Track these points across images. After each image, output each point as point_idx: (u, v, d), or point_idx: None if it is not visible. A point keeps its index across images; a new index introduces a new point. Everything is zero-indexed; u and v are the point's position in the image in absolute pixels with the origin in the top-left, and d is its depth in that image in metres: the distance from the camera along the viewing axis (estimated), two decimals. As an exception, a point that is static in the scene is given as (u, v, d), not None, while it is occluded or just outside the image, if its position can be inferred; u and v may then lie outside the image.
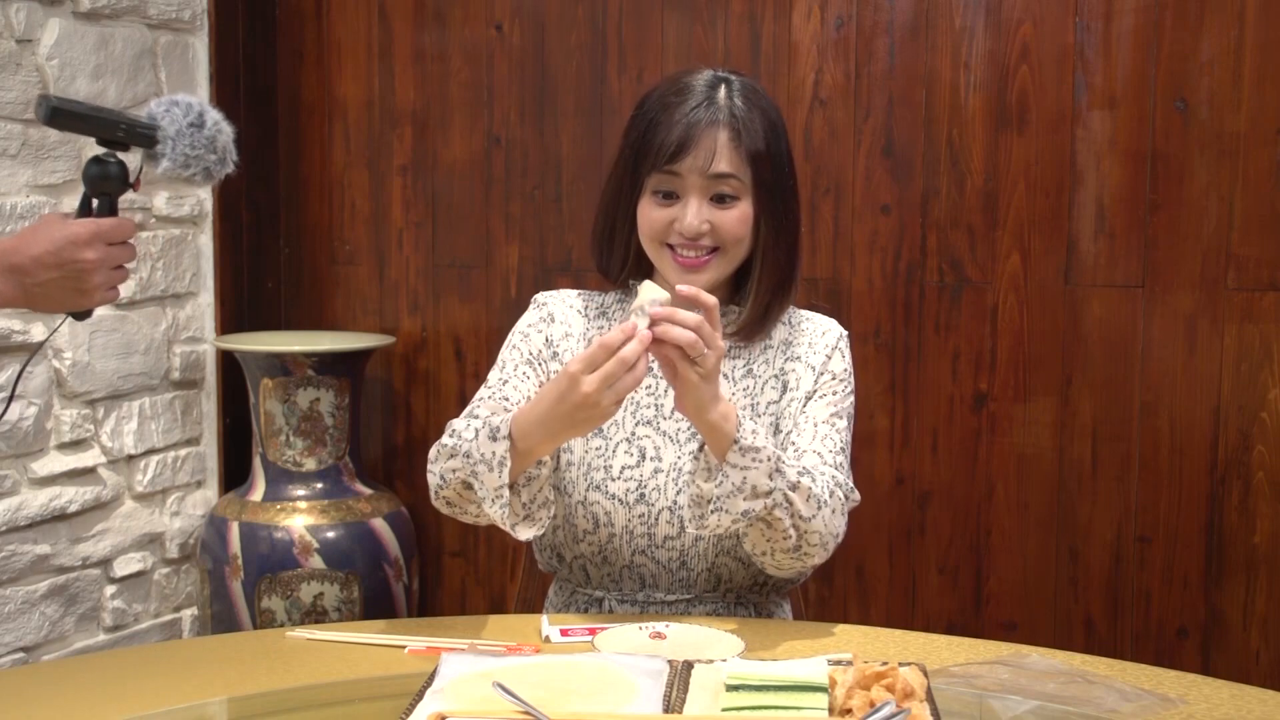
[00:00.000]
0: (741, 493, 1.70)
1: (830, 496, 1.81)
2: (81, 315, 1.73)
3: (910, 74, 2.97)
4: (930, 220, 2.98)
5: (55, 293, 1.65)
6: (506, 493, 1.74)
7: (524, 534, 1.79)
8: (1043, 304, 2.92)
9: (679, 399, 1.71)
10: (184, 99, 1.66)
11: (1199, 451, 2.84)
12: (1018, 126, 2.91)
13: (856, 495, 1.89)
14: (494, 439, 1.73)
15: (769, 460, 1.72)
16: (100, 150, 1.67)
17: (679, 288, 1.68)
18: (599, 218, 2.00)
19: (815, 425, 1.92)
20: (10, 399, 1.95)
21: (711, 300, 1.68)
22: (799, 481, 1.76)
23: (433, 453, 1.83)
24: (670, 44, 3.13)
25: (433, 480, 1.83)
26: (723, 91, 1.90)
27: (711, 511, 1.71)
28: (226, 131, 1.67)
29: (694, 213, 1.87)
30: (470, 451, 1.75)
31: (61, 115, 1.63)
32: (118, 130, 1.64)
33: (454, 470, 1.79)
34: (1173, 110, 2.81)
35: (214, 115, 1.66)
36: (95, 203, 1.67)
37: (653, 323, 1.66)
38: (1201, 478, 2.84)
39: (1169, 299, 2.84)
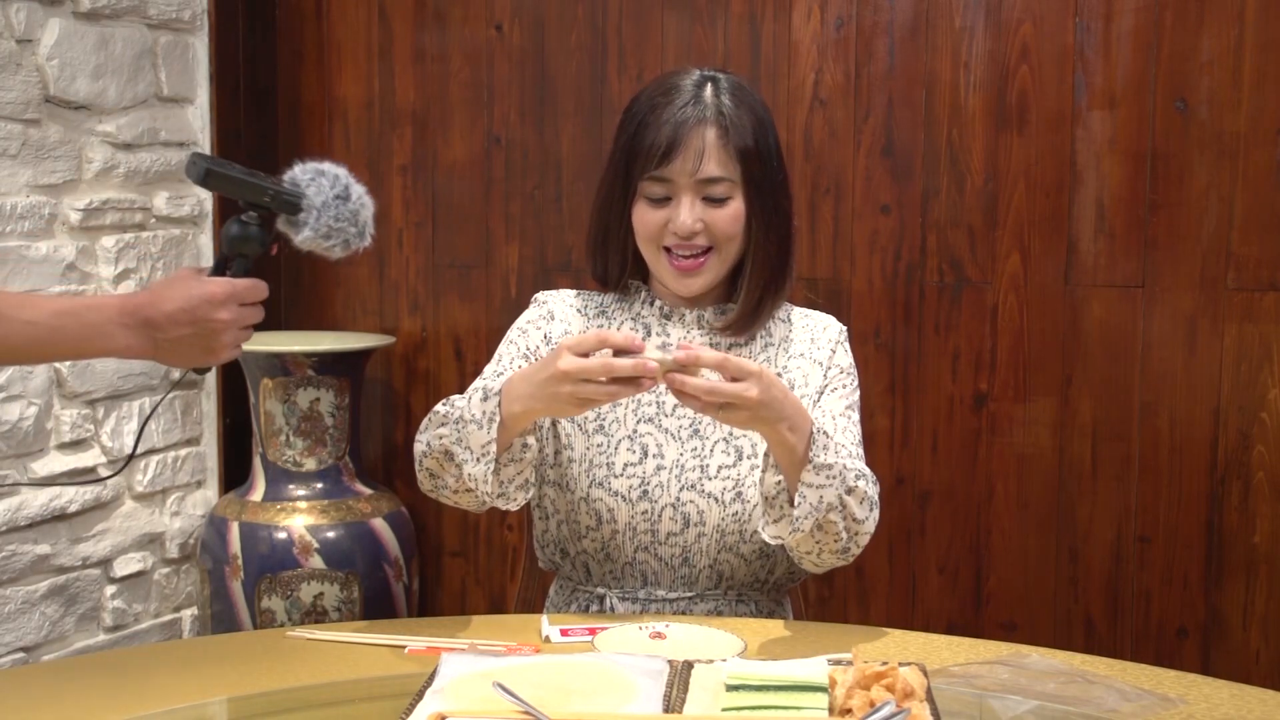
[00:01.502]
0: (818, 511, 1.73)
1: (876, 507, 1.83)
2: (203, 370, 1.76)
3: (910, 74, 2.97)
4: (930, 220, 2.98)
5: (184, 349, 1.66)
6: (493, 450, 1.74)
7: (500, 505, 1.81)
8: (1043, 304, 2.92)
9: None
10: (329, 169, 1.68)
11: (1199, 451, 2.84)
12: (1018, 126, 2.91)
13: (876, 480, 1.90)
14: (485, 398, 1.75)
15: (841, 474, 1.73)
16: (242, 210, 1.68)
17: (676, 354, 1.64)
18: (593, 223, 2.00)
19: (834, 418, 1.94)
20: (137, 444, 2.00)
21: (711, 358, 1.64)
22: (855, 485, 1.77)
23: (424, 422, 1.84)
24: (670, 44, 3.13)
25: (418, 449, 1.84)
26: (709, 90, 1.91)
27: (791, 532, 1.73)
28: (369, 206, 1.69)
29: (687, 211, 1.88)
30: (462, 415, 1.76)
31: (214, 177, 1.64)
32: (265, 196, 1.65)
33: (440, 437, 1.80)
34: (1173, 110, 2.81)
35: (358, 189, 1.69)
36: (230, 261, 1.67)
37: (677, 368, 1.63)
38: (1201, 478, 2.84)
39: (1169, 299, 2.84)
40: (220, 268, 1.67)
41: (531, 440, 1.80)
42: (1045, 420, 2.93)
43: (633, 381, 1.64)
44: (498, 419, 1.73)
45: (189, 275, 1.66)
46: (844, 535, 1.78)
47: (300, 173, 1.67)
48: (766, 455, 1.75)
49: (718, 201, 1.89)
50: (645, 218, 1.91)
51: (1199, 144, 2.80)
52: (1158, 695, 1.55)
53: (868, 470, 1.87)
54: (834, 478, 1.72)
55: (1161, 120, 2.82)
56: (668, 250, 1.91)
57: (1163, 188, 2.83)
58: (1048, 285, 2.91)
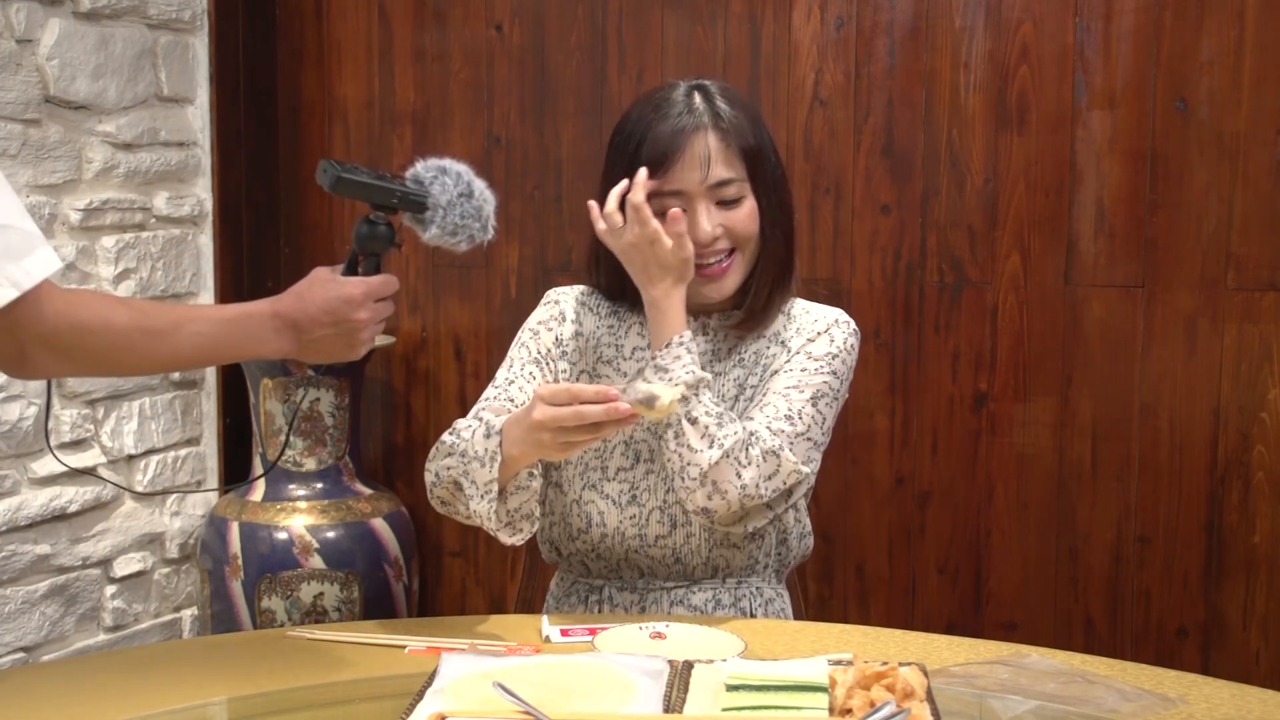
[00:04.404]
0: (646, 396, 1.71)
1: (739, 447, 1.81)
2: (342, 365, 1.79)
3: (910, 74, 2.97)
4: (930, 220, 2.98)
5: (327, 346, 1.72)
6: (495, 488, 1.75)
7: (505, 538, 1.82)
8: (1043, 304, 2.92)
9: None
10: (451, 166, 1.72)
11: (1199, 451, 2.84)
12: (1018, 126, 2.91)
13: (797, 465, 1.86)
14: (488, 436, 1.76)
15: (680, 381, 1.78)
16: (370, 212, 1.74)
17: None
18: (594, 242, 1.98)
19: (767, 395, 1.92)
20: (287, 440, 2.06)
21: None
22: (698, 417, 1.80)
23: (432, 451, 1.86)
24: (670, 44, 3.13)
25: (428, 478, 1.87)
26: (699, 98, 1.92)
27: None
28: (490, 201, 1.74)
29: (705, 219, 1.89)
30: (466, 450, 1.78)
31: (344, 184, 1.70)
32: (392, 198, 1.70)
33: (448, 468, 1.82)
34: (1173, 110, 2.81)
35: (480, 185, 1.73)
36: (360, 260, 1.72)
37: (650, 406, 1.67)
38: (1201, 478, 2.84)
39: (1169, 299, 2.84)
40: (352, 266, 1.73)
41: (537, 471, 1.80)
42: (1045, 420, 2.93)
43: (615, 421, 1.65)
44: (499, 459, 1.75)
45: (327, 277, 1.71)
46: (675, 460, 1.81)
47: (423, 170, 1.72)
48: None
49: (732, 203, 1.90)
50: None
51: (1199, 144, 2.80)
52: (1158, 695, 1.55)
53: (767, 439, 1.83)
54: (673, 382, 1.78)
55: (1161, 120, 2.82)
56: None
57: (1163, 188, 2.83)
58: (1048, 285, 2.91)
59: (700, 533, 1.91)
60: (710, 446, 1.80)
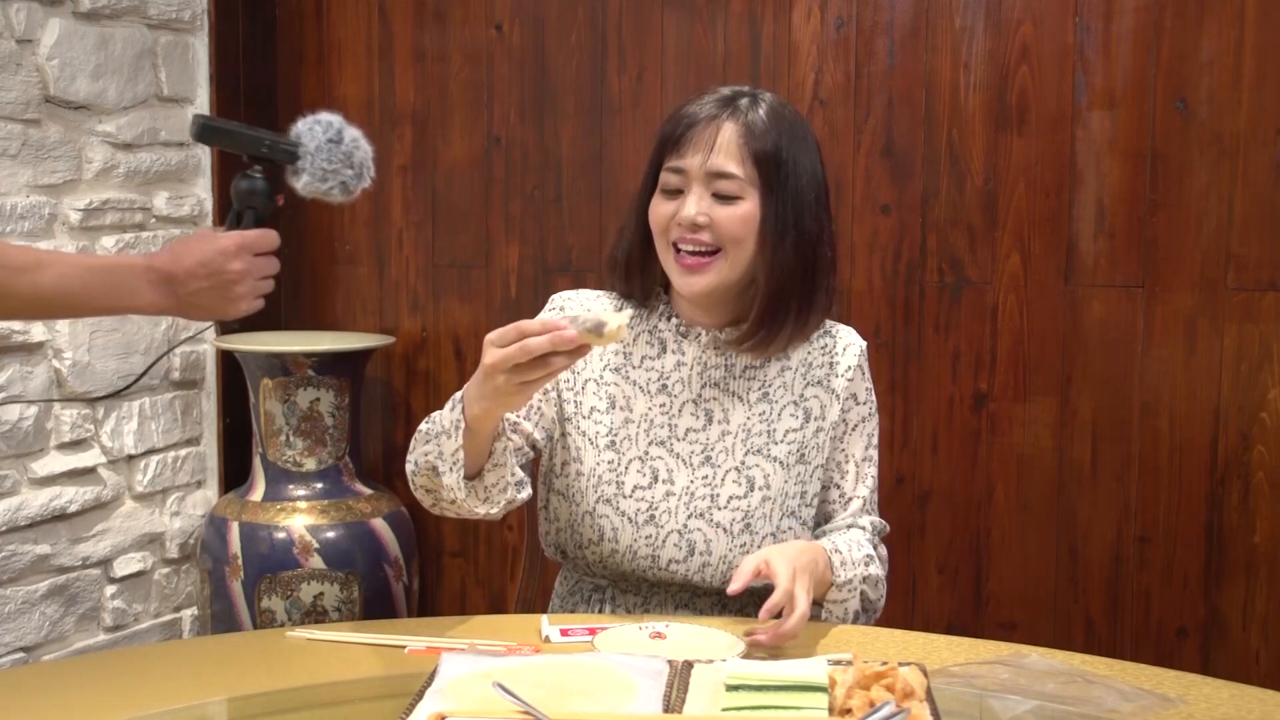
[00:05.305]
0: (845, 620, 1.86)
1: (885, 565, 1.94)
2: (227, 324, 1.80)
3: (910, 74, 2.97)
4: (930, 220, 2.98)
5: (205, 301, 1.71)
6: (461, 456, 1.74)
7: (481, 512, 1.81)
8: (1043, 304, 2.92)
9: None
10: (325, 117, 1.72)
11: (1199, 451, 2.84)
12: (1018, 126, 2.91)
13: (886, 526, 2.01)
14: (452, 408, 1.75)
15: (860, 579, 1.85)
16: (249, 167, 1.74)
17: (759, 638, 1.68)
18: (623, 241, 1.97)
19: (856, 465, 1.96)
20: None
21: (790, 627, 1.68)
22: (869, 574, 1.87)
23: (411, 443, 1.84)
24: (670, 44, 3.13)
25: (409, 468, 1.84)
26: (745, 100, 1.89)
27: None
28: (364, 148, 1.74)
29: (693, 202, 1.85)
30: (436, 429, 1.77)
31: (210, 132, 1.71)
32: (262, 146, 1.71)
33: (425, 454, 1.79)
34: (1173, 110, 2.81)
35: (352, 133, 1.73)
36: (242, 216, 1.73)
37: (598, 335, 1.64)
38: (1201, 478, 2.84)
39: (1169, 299, 2.84)
40: (233, 223, 1.73)
41: (512, 447, 1.81)
42: (1045, 420, 2.93)
43: (566, 354, 1.63)
44: (462, 425, 1.72)
45: (205, 232, 1.72)
46: (864, 615, 1.91)
47: (300, 124, 1.72)
48: None
49: (727, 200, 1.85)
50: (657, 209, 1.88)
51: (1199, 144, 2.80)
52: (1158, 695, 1.55)
53: (876, 522, 1.97)
54: (854, 591, 1.85)
55: (1161, 120, 2.82)
56: (676, 248, 1.88)
57: (1163, 188, 2.83)
58: (1048, 285, 2.91)
59: (718, 564, 1.90)
60: (878, 586, 1.91)
